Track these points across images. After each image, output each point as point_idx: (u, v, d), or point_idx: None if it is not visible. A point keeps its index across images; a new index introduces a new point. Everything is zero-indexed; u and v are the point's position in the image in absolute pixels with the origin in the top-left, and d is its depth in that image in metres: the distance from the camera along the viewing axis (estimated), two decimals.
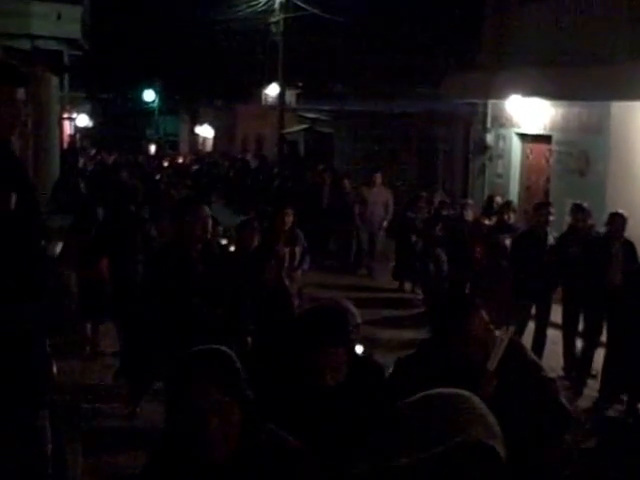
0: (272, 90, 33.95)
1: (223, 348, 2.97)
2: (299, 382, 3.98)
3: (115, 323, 10.08)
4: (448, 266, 13.47)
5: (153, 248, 9.23)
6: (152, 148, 48.49)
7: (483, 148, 17.53)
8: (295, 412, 3.78)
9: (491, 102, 17.07)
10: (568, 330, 10.60)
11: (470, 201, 14.11)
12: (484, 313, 4.36)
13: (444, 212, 14.23)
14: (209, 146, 48.26)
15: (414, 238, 14.89)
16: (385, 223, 16.72)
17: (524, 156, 16.73)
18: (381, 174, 17.16)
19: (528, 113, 15.85)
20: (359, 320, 5.33)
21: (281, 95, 29.22)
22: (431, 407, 2.90)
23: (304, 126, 31.04)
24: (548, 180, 15.61)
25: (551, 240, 10.58)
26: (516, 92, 15.33)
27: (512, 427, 3.09)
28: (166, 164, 33.40)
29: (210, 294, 6.86)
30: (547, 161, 15.73)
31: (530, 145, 16.52)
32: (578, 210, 10.99)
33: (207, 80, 45.23)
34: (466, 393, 2.96)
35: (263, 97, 37.63)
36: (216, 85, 44.04)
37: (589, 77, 13.14)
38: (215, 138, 47.58)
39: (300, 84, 32.68)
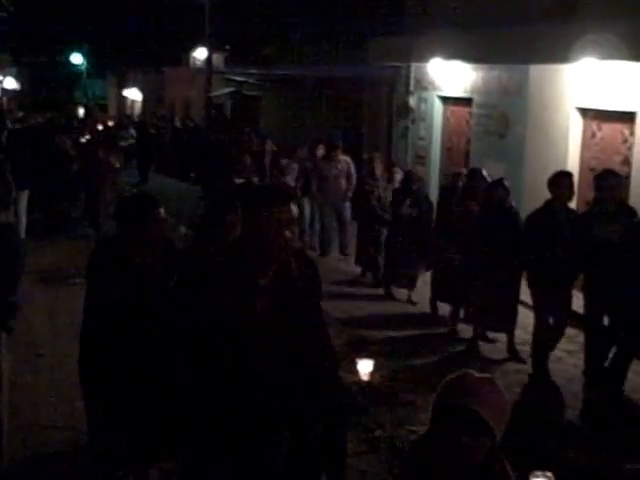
0: (200, 53, 33.72)
1: None
2: None
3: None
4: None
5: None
6: (81, 111, 47.99)
7: (406, 111, 17.69)
8: None
9: (414, 65, 17.21)
10: (594, 328, 8.85)
11: (464, 170, 12.25)
12: None
13: (414, 186, 12.33)
14: (137, 109, 47.96)
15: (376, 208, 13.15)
16: (349, 194, 15.21)
17: (445, 119, 16.96)
18: (341, 147, 15.61)
19: (449, 76, 16.03)
20: None
21: (208, 58, 29.05)
22: None
23: (231, 89, 30.94)
24: (469, 142, 15.85)
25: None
26: (438, 55, 15.51)
27: None
28: (101, 127, 32.95)
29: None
30: (468, 123, 15.96)
31: (451, 108, 16.74)
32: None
33: (135, 43, 44.75)
34: None
35: (191, 60, 37.37)
36: (144, 48, 43.58)
37: (508, 40, 13.35)
38: (143, 101, 47.25)
39: (228, 47, 32.50)
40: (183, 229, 16.21)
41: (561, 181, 9.02)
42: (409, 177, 12.59)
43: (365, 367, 8.68)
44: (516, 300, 9.87)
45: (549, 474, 5.82)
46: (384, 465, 6.98)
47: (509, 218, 9.72)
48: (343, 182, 15.22)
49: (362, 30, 19.59)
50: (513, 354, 10.00)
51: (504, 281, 9.71)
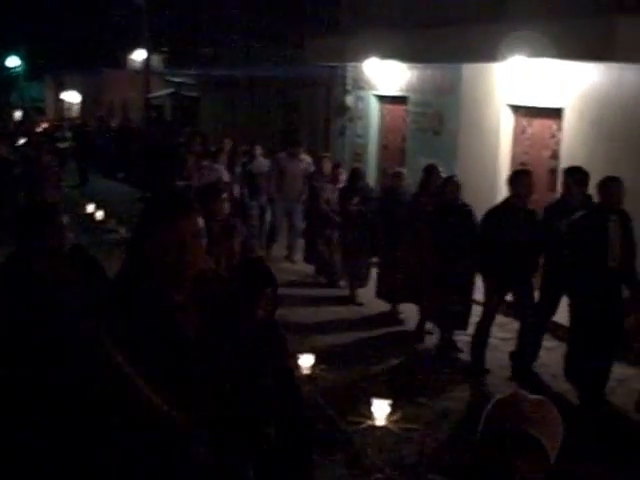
0: (138, 55, 33.70)
1: None
2: None
3: None
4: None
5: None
6: (17, 114, 47.65)
7: (343, 110, 17.98)
8: None
9: (350, 65, 17.45)
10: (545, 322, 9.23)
11: (403, 169, 12.27)
12: None
13: (360, 183, 12.28)
14: (75, 111, 47.74)
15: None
16: (304, 196, 14.45)
17: (382, 117, 17.28)
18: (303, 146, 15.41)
19: (385, 75, 16.32)
20: None
21: (147, 60, 29.08)
22: None
23: (170, 90, 31.00)
24: (404, 139, 16.17)
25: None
26: (373, 55, 15.70)
27: None
28: (39, 130, 32.84)
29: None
30: (404, 121, 16.27)
31: (388, 106, 17.06)
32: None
33: (73, 45, 44.49)
34: None
35: (130, 62, 37.33)
36: (82, 50, 43.36)
37: (442, 40, 13.59)
38: (82, 103, 47.05)
39: (165, 49, 32.55)
40: (123, 231, 16.27)
41: (521, 179, 8.87)
42: (355, 174, 12.44)
43: (306, 361, 8.79)
44: (470, 299, 9.81)
45: None
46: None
47: (462, 216, 9.57)
48: (301, 182, 14.58)
49: (299, 30, 19.79)
50: (451, 344, 10.20)
51: (459, 280, 9.64)
